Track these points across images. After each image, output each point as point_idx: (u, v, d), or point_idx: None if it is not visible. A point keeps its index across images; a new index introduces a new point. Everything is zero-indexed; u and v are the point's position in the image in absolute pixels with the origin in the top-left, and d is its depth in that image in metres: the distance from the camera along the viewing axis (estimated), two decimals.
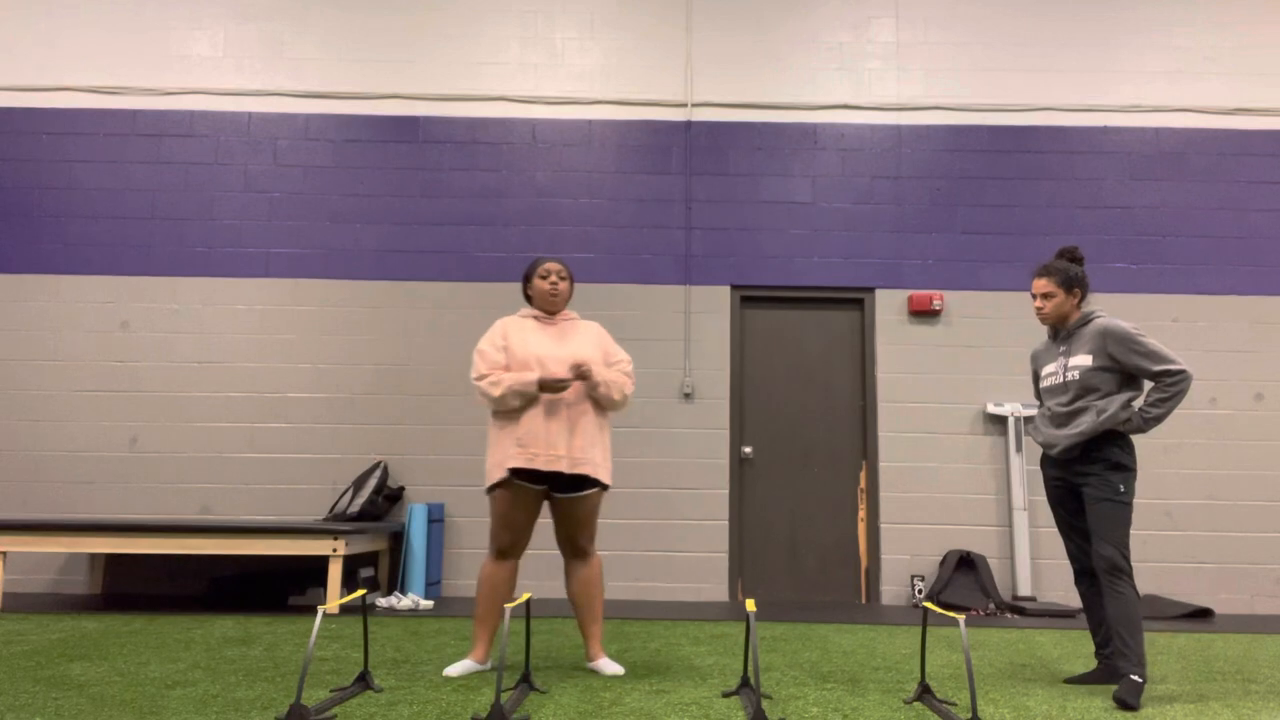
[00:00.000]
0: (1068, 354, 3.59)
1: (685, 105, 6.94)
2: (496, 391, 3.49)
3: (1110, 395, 3.46)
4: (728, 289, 6.77)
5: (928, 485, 6.53)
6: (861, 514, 6.59)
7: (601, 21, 7.03)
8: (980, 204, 6.85)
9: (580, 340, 3.68)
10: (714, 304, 6.74)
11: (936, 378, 6.65)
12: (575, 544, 3.64)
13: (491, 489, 3.54)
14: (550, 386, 3.48)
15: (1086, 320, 3.60)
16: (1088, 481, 3.47)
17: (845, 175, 6.89)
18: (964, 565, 6.30)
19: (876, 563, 6.47)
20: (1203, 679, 3.75)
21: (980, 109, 6.94)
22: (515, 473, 3.51)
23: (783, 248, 6.81)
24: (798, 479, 6.65)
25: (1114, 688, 3.52)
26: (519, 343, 3.60)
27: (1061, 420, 3.55)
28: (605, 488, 3.63)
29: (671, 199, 6.85)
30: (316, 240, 6.78)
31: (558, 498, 3.59)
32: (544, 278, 3.71)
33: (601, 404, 3.64)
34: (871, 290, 6.78)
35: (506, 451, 3.50)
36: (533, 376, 3.49)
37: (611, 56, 7.00)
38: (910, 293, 6.72)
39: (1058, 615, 5.81)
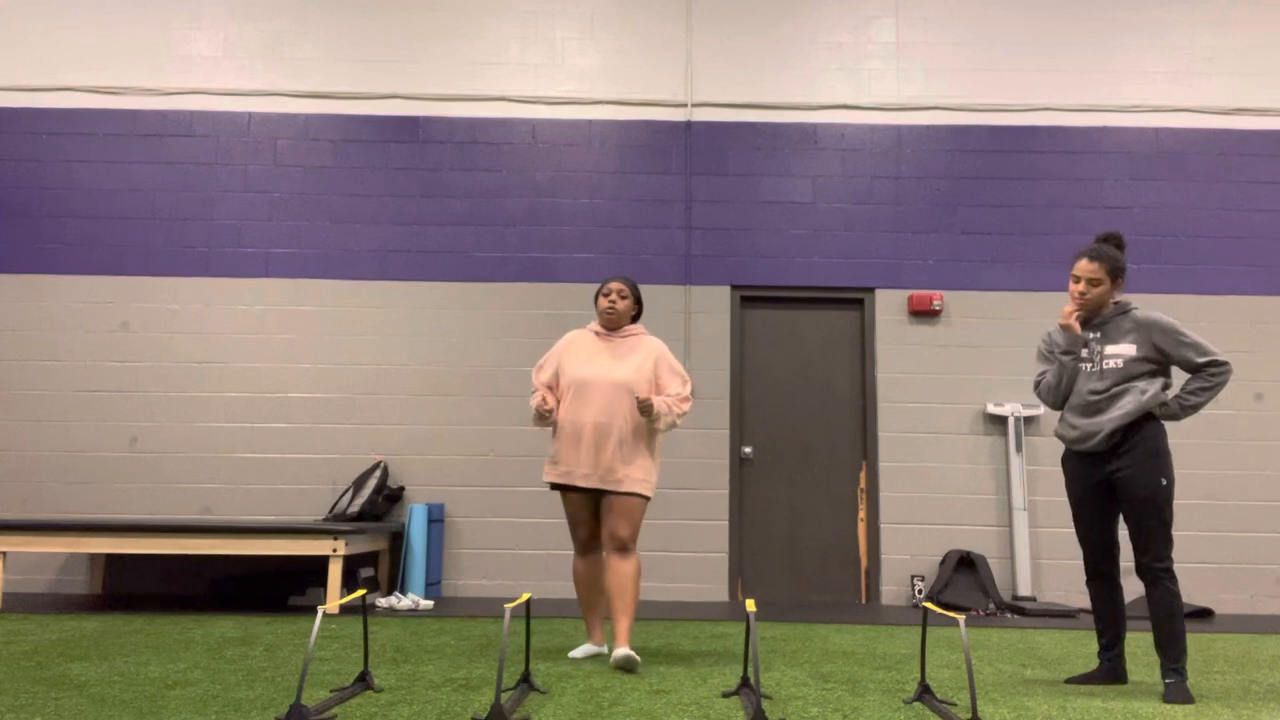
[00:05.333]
0: (1102, 341, 3.51)
1: (685, 105, 6.94)
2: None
3: (1152, 380, 3.43)
4: (728, 289, 6.77)
5: (928, 485, 6.53)
6: (861, 514, 6.59)
7: (601, 22, 7.03)
8: (980, 204, 6.85)
9: (635, 360, 3.93)
10: (714, 304, 6.74)
11: (936, 378, 6.65)
12: (617, 537, 3.85)
13: (553, 489, 4.04)
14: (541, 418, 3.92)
15: (1124, 310, 3.52)
16: (1126, 474, 3.40)
17: (845, 175, 6.89)
18: (964, 565, 6.30)
19: (876, 563, 6.47)
20: (1203, 679, 3.75)
21: (980, 109, 6.94)
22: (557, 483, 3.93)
23: (783, 248, 6.81)
24: (798, 479, 6.65)
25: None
26: (572, 363, 3.96)
27: (1099, 407, 3.46)
28: (645, 498, 3.89)
29: (671, 199, 6.85)
30: (316, 240, 6.78)
31: (602, 494, 3.90)
32: (605, 296, 4.04)
33: (650, 424, 3.88)
34: (871, 290, 6.79)
35: (548, 465, 3.95)
36: (534, 405, 3.92)
37: (611, 56, 7.00)
38: (910, 293, 6.72)
39: (1058, 615, 5.81)
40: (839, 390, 6.76)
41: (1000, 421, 6.59)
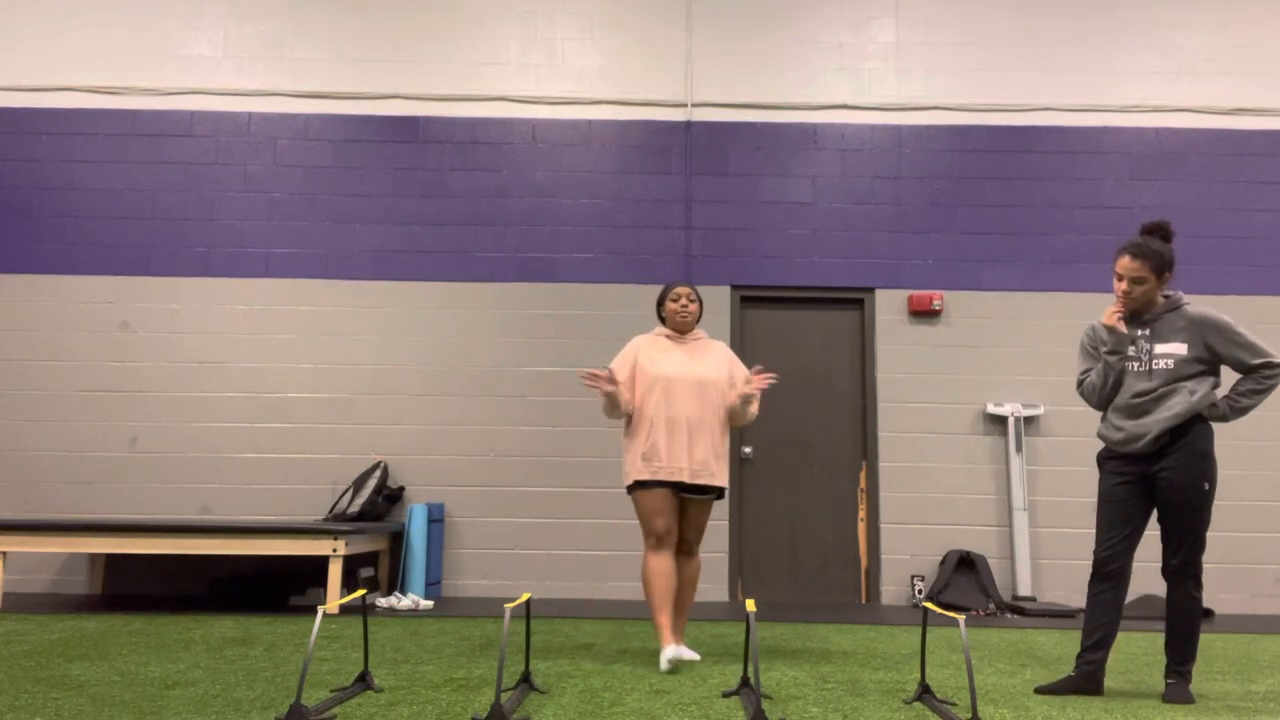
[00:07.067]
0: (1151, 340, 3.35)
1: (685, 105, 6.94)
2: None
3: (1201, 380, 3.29)
4: (728, 289, 6.77)
5: (928, 485, 6.53)
6: (861, 514, 6.59)
7: (601, 22, 7.03)
8: (980, 204, 6.85)
9: (710, 359, 4.05)
10: (714, 304, 6.73)
11: (936, 378, 6.65)
12: (684, 539, 4.03)
13: (630, 490, 3.98)
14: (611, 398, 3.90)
15: (1174, 305, 3.36)
16: (1170, 476, 3.25)
17: (845, 175, 6.89)
18: (964, 565, 6.30)
19: (876, 563, 6.47)
20: (1203, 679, 3.75)
21: (980, 109, 6.94)
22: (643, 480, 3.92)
23: (783, 248, 6.81)
24: (798, 479, 6.65)
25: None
26: (649, 361, 4.01)
27: (1145, 409, 3.30)
28: (722, 494, 4.01)
29: (671, 199, 6.85)
30: (316, 240, 6.78)
31: (682, 496, 3.96)
32: (675, 300, 4.11)
33: (731, 419, 4.02)
34: (871, 290, 6.79)
35: (634, 463, 3.94)
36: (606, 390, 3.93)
37: (611, 57, 7.00)
38: (910, 293, 6.72)
39: (1058, 615, 5.81)
40: (839, 390, 6.76)
41: (1000, 421, 6.59)
